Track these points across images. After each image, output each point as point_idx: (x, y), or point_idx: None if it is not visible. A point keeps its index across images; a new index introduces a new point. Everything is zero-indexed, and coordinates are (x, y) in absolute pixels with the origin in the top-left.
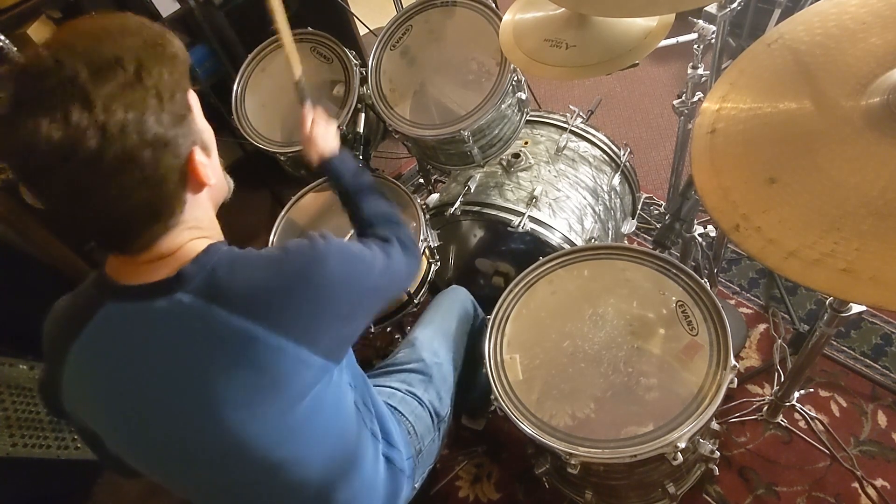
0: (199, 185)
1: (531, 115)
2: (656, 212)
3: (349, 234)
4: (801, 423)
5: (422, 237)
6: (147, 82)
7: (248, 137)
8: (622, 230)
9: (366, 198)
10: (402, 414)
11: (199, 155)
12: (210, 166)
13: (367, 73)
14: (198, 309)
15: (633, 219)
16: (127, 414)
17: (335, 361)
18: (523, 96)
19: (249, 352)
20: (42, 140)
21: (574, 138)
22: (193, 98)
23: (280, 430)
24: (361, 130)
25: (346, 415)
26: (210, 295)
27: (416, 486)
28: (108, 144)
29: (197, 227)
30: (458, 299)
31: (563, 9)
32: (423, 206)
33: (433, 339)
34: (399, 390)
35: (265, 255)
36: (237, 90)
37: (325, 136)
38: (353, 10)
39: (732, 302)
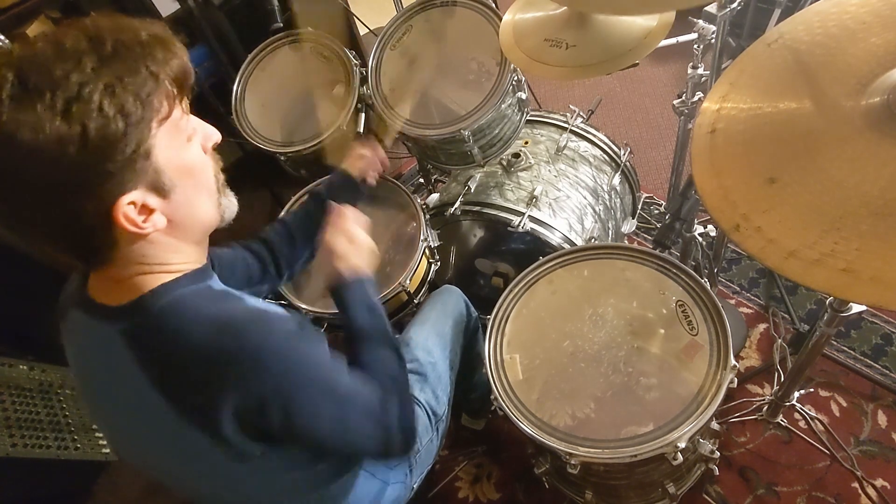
0: (131, 234)
1: (531, 115)
2: (656, 211)
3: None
4: (801, 423)
5: (422, 237)
6: (73, 122)
7: (247, 137)
8: (622, 230)
9: (369, 346)
10: None
11: (139, 199)
12: (168, 207)
13: (367, 73)
14: (122, 350)
15: (633, 218)
16: (91, 406)
17: (245, 460)
18: (523, 96)
19: (154, 413)
20: None
21: (574, 138)
22: (167, 131)
23: (197, 477)
24: (361, 130)
25: (301, 470)
26: (133, 344)
27: (413, 486)
28: (6, 155)
29: (145, 264)
30: (451, 299)
31: (563, 9)
32: (423, 206)
33: (427, 339)
34: None
35: (201, 326)
36: (237, 90)
37: (348, 249)
38: (353, 10)
39: (732, 302)
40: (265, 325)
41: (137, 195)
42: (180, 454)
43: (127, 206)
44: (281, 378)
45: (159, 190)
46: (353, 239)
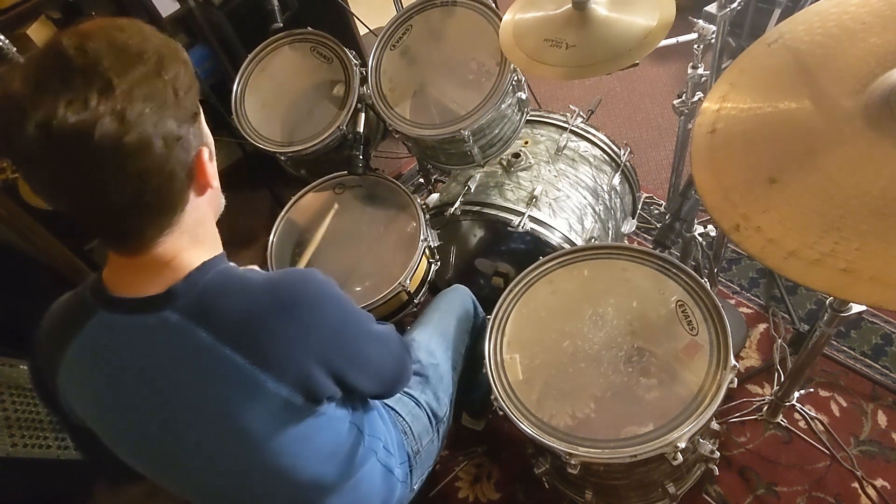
0: (203, 186)
1: (531, 115)
2: (656, 211)
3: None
4: (801, 423)
5: (422, 237)
6: (166, 76)
7: (247, 137)
8: (622, 230)
9: None
10: (399, 414)
11: (205, 156)
12: (212, 171)
13: (367, 73)
14: (184, 329)
15: (633, 218)
16: (121, 419)
17: (316, 402)
18: (523, 96)
19: (230, 378)
20: (56, 121)
21: (574, 138)
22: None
23: (259, 450)
24: (361, 130)
25: (339, 436)
26: (197, 316)
27: (414, 487)
28: (124, 130)
29: (194, 235)
30: (457, 298)
31: (563, 9)
32: (423, 206)
33: (430, 340)
34: None
35: (257, 282)
36: (237, 90)
37: None
38: (353, 10)
39: (732, 302)
40: (309, 278)
41: (205, 150)
42: (235, 423)
43: (204, 158)
44: (340, 317)
45: (210, 153)
46: None
